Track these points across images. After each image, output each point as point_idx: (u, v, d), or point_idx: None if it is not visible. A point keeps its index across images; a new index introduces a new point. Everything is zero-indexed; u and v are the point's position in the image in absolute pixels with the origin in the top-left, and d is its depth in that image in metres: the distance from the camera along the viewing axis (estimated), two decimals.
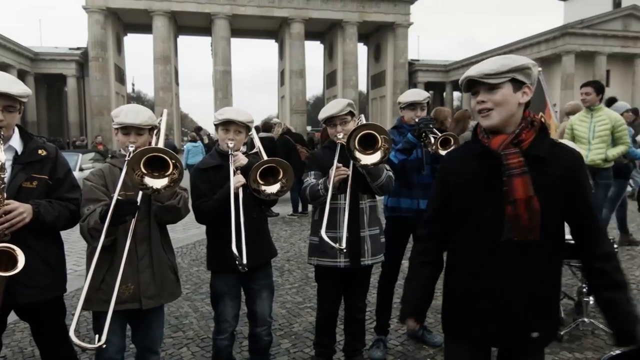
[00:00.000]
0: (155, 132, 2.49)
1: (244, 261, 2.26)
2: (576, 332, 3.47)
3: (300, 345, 3.43)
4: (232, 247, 2.24)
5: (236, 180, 2.46)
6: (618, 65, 34.55)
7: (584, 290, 3.50)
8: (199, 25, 35.83)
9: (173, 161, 2.08)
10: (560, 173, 1.60)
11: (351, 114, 2.76)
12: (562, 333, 3.39)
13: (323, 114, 2.78)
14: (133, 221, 2.18)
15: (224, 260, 2.47)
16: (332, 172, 2.55)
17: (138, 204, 2.18)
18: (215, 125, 2.69)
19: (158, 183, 2.09)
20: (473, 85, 1.62)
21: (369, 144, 2.48)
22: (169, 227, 2.56)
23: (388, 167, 2.78)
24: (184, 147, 13.53)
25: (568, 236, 3.82)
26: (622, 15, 33.42)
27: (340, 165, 2.57)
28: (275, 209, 8.98)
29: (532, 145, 1.59)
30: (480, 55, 36.13)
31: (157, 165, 2.09)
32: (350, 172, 2.56)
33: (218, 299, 2.70)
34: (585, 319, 3.49)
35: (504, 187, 1.57)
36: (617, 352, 2.41)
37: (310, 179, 2.76)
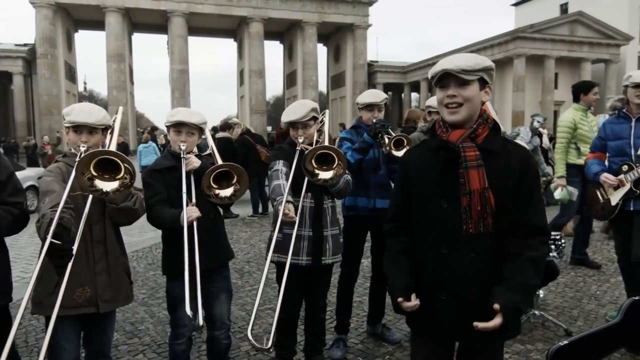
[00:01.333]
0: (109, 131, 2.41)
1: (200, 322, 2.11)
2: (527, 325, 3.60)
3: None
4: (184, 307, 2.08)
5: (189, 214, 2.32)
6: (565, 68, 36.24)
7: None
8: (155, 22, 34.91)
9: (125, 165, 2.01)
10: (514, 167, 1.65)
11: (314, 118, 2.77)
12: None
13: (286, 117, 2.77)
14: (81, 227, 2.09)
15: (180, 264, 2.40)
16: (281, 209, 2.42)
17: (74, 251, 1.95)
18: (167, 126, 2.62)
19: (108, 186, 2.02)
20: (445, 78, 1.64)
21: (325, 161, 2.52)
22: (124, 230, 2.49)
23: (347, 171, 2.81)
24: (138, 148, 13.16)
25: None
26: (568, 21, 35.08)
27: (290, 207, 2.46)
28: (235, 210, 8.88)
29: (486, 141, 1.65)
30: (437, 57, 37.03)
31: (108, 168, 2.01)
32: (297, 219, 2.50)
33: (175, 304, 2.63)
34: (536, 312, 3.63)
35: (460, 179, 1.62)
36: (565, 342, 2.53)
37: (279, 166, 2.73)
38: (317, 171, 2.52)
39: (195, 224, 2.35)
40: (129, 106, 33.08)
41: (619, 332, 2.72)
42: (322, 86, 41.98)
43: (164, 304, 4.00)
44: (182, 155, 2.49)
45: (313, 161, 2.50)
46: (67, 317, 2.23)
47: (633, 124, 3.40)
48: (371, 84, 38.91)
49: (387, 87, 41.36)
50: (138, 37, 75.15)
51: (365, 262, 4.54)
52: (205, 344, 2.89)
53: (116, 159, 1.99)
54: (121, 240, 2.47)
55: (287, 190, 2.53)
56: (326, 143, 2.77)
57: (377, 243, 3.36)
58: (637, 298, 2.82)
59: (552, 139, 11.89)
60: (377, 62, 42.14)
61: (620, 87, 3.59)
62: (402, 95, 45.15)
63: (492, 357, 1.78)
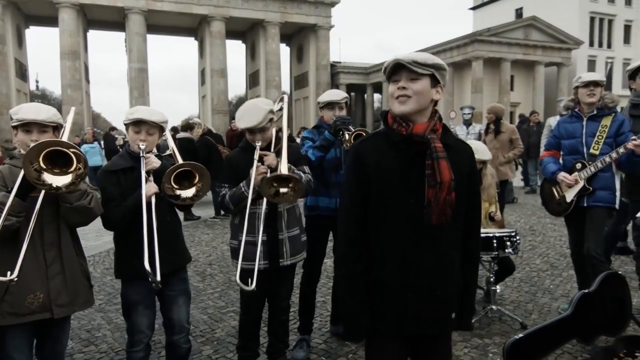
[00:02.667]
0: (62, 131, 2.32)
1: (158, 278, 2.14)
2: (485, 319, 3.71)
3: (223, 351, 3.35)
4: (144, 264, 2.12)
5: (148, 189, 2.33)
6: (521, 71, 37.56)
7: (492, 279, 3.75)
8: (112, 19, 33.87)
9: (76, 155, 1.93)
10: (465, 162, 1.74)
11: (271, 120, 2.72)
12: (473, 321, 3.60)
13: (242, 123, 2.67)
14: (30, 229, 2.00)
15: (135, 267, 2.34)
16: (253, 172, 2.54)
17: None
18: (126, 125, 2.53)
19: (59, 180, 1.93)
20: (397, 71, 1.66)
21: (282, 180, 2.49)
22: (82, 234, 2.41)
23: (308, 170, 2.80)
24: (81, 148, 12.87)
25: None
26: (523, 25, 36.38)
27: (259, 164, 2.56)
28: (196, 212, 8.73)
29: (443, 136, 1.69)
30: None
31: (58, 162, 1.93)
32: (268, 172, 2.56)
33: (130, 309, 2.56)
34: (493, 307, 3.74)
35: (427, 171, 1.63)
36: (520, 335, 2.61)
37: (225, 191, 2.71)
38: (278, 189, 2.48)
39: (155, 224, 2.30)
40: (84, 106, 31.98)
41: (571, 324, 2.83)
42: (285, 86, 41.91)
43: (122, 310, 3.88)
44: (141, 155, 2.42)
45: (271, 187, 2.45)
46: (19, 325, 2.13)
47: (585, 122, 3.55)
48: (334, 85, 39.14)
49: (350, 88, 41.70)
50: (94, 34, 72.64)
51: (328, 262, 4.55)
52: (165, 349, 2.82)
53: (68, 151, 1.91)
54: (78, 242, 2.39)
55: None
56: (284, 148, 2.66)
57: None
58: (587, 291, 2.95)
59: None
60: (339, 62, 42.41)
61: (572, 89, 3.74)
62: (365, 95, 45.65)
63: (446, 344, 1.84)
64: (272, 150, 2.71)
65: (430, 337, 1.78)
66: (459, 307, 1.79)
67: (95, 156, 12.08)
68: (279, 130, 2.82)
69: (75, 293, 2.27)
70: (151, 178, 2.43)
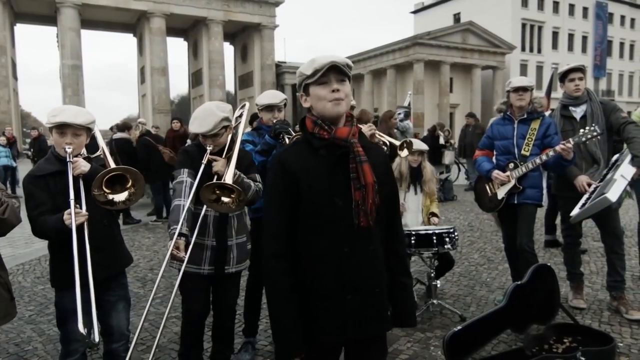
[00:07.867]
0: None
1: (96, 338, 1.99)
2: (427, 313, 3.82)
3: (165, 358, 3.25)
4: (76, 321, 1.94)
5: (76, 218, 2.16)
6: (459, 73, 39.14)
7: (432, 275, 3.87)
8: (42, 13, 32.01)
9: None
10: (381, 162, 1.79)
11: (226, 127, 2.64)
12: (416, 315, 3.71)
13: (195, 128, 2.60)
14: None
15: (70, 274, 2.20)
16: (171, 244, 2.35)
17: None
18: (50, 128, 2.36)
19: None
20: (327, 74, 1.64)
21: (226, 189, 2.40)
22: (8, 241, 2.23)
23: (259, 179, 2.76)
24: None
25: (415, 227, 4.14)
26: (460, 30, 37.93)
27: (181, 243, 2.38)
28: (137, 215, 8.40)
29: (359, 138, 1.72)
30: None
31: None
32: (186, 257, 2.40)
33: (66, 318, 2.41)
34: (434, 301, 3.86)
35: (352, 173, 1.65)
36: (459, 328, 2.72)
37: (183, 177, 2.58)
38: (220, 197, 2.39)
39: (86, 229, 2.18)
40: (12, 104, 30.01)
41: (505, 314, 2.99)
42: (230, 86, 41.31)
43: (54, 321, 3.66)
44: (68, 159, 2.28)
45: (213, 193, 2.36)
46: None
47: (516, 125, 3.75)
48: (279, 85, 39.04)
49: (296, 88, 41.67)
50: (22, 28, 68.06)
51: None
52: (102, 358, 2.69)
53: None
54: None
55: (184, 214, 2.41)
56: (234, 157, 2.56)
57: None
58: (519, 282, 3.12)
59: (447, 141, 12.77)
60: (285, 62, 42.34)
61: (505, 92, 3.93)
62: None
63: (382, 346, 1.85)
64: (223, 155, 2.63)
65: (366, 340, 1.77)
66: (396, 305, 1.80)
67: (1, 159, 12.54)
68: (234, 135, 2.76)
69: None
70: (81, 184, 2.29)
